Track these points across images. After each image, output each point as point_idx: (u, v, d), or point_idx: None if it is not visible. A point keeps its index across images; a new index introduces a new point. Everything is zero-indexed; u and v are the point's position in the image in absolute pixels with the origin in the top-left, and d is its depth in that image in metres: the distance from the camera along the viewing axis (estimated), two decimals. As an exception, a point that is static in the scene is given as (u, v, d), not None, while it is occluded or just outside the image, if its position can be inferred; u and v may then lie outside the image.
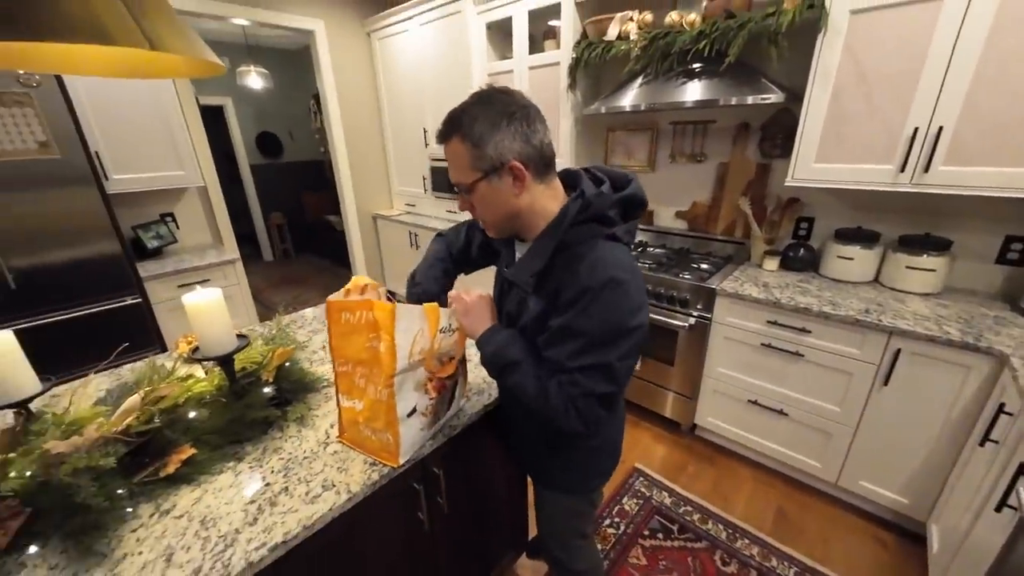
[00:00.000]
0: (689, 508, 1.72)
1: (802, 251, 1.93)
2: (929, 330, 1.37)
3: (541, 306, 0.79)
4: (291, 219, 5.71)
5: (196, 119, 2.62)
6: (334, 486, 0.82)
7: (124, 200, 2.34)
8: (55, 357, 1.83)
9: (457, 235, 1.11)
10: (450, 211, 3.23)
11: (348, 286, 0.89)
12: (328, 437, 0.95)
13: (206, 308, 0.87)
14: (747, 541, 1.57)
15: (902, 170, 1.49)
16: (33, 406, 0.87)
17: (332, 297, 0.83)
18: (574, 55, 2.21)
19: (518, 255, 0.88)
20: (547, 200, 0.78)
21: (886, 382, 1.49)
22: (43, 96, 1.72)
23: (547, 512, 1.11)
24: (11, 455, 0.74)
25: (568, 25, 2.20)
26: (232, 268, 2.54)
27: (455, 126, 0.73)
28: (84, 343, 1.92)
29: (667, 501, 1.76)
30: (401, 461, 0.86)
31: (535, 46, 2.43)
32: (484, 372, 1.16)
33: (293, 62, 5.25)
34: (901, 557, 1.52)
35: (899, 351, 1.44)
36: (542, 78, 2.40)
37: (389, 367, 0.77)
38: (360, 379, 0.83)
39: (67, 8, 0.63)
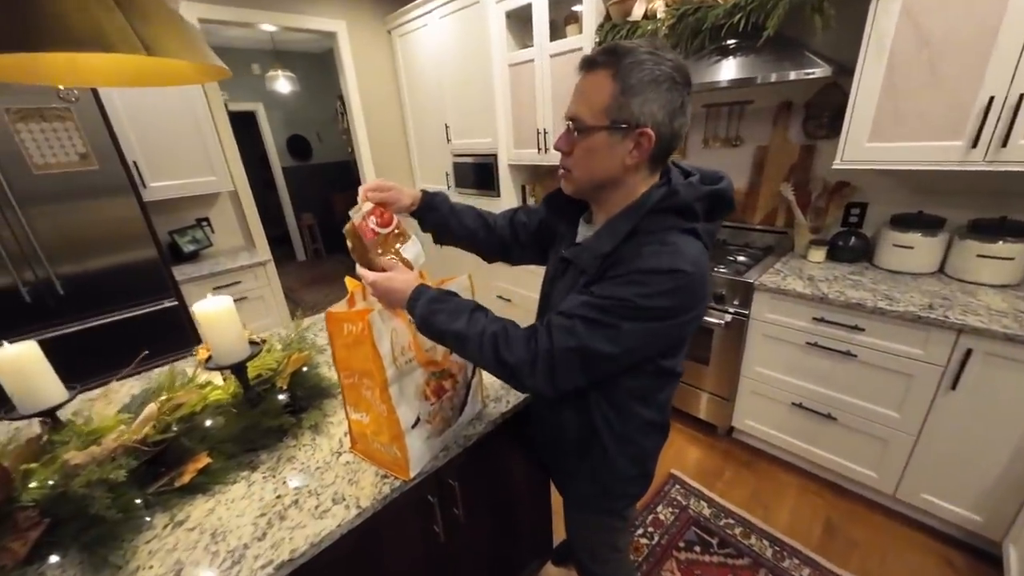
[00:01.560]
0: (730, 521, 1.61)
1: (853, 240, 1.76)
2: (1007, 328, 1.21)
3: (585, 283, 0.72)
4: (321, 219, 5.85)
5: (226, 125, 2.69)
6: (344, 500, 0.79)
7: (161, 207, 2.44)
8: (98, 360, 1.93)
9: (502, 217, 1.01)
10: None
11: (366, 209, 0.80)
12: (341, 446, 0.93)
13: (216, 316, 0.86)
14: (796, 561, 1.44)
15: (974, 146, 1.31)
16: (64, 414, 0.90)
17: (336, 308, 0.79)
18: (597, 39, 2.10)
19: (580, 237, 0.81)
20: (641, 183, 0.72)
21: (954, 386, 1.32)
22: (82, 110, 1.80)
23: (576, 524, 1.05)
24: (33, 465, 0.76)
25: (590, 8, 2.09)
26: (263, 269, 2.61)
27: (613, 58, 0.64)
28: (125, 345, 2.00)
29: (706, 512, 1.65)
30: (412, 474, 0.82)
31: (556, 32, 2.34)
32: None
33: (319, 65, 5.34)
34: (972, 580, 1.37)
35: (970, 351, 1.27)
36: (564, 66, 2.31)
37: (381, 380, 0.74)
38: (366, 391, 0.80)
39: (67, 18, 0.62)
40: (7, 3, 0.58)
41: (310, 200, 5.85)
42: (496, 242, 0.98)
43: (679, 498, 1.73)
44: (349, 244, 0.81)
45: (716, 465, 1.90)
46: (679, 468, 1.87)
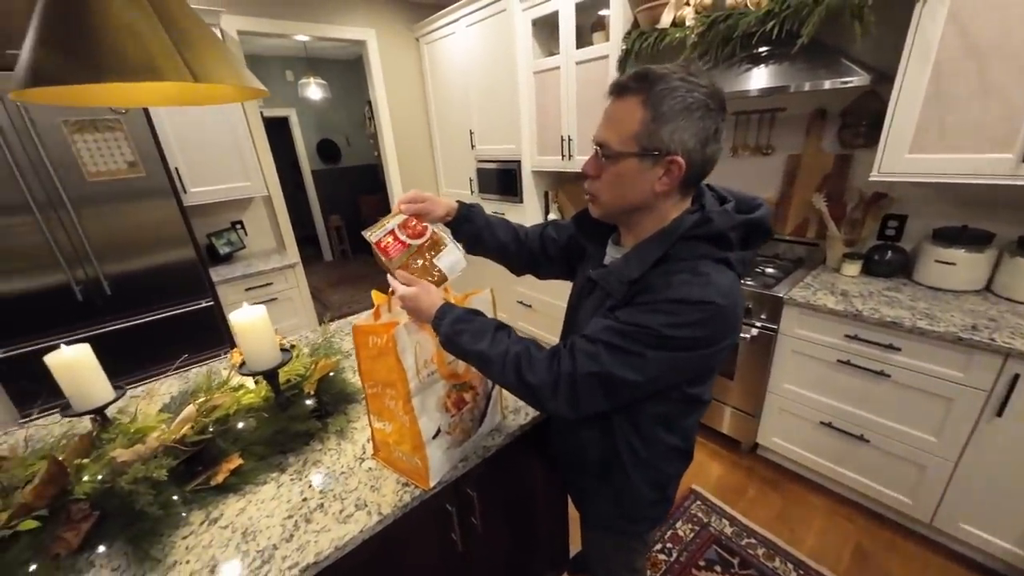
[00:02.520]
0: (752, 540, 1.56)
1: (890, 254, 1.69)
2: (1061, 353, 1.13)
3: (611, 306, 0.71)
4: (348, 221, 6.01)
5: (260, 133, 2.81)
6: (366, 506, 0.82)
7: (200, 210, 2.57)
8: (140, 356, 2.05)
9: (532, 231, 1.01)
10: (497, 212, 3.21)
11: (396, 222, 0.82)
12: (364, 452, 0.96)
13: (251, 326, 0.91)
14: (820, 584, 1.40)
15: (1025, 160, 1.24)
16: (111, 411, 0.96)
17: (362, 321, 0.82)
18: (624, 47, 2.08)
19: (608, 259, 0.80)
20: (672, 208, 0.70)
21: (999, 412, 1.25)
22: (130, 121, 1.91)
23: (594, 544, 1.04)
24: (85, 461, 0.82)
25: (618, 15, 2.08)
26: (292, 272, 2.70)
27: (645, 84, 0.62)
28: (165, 343, 2.13)
29: (727, 530, 1.62)
30: (431, 484, 0.84)
31: (583, 39, 2.33)
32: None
33: (349, 71, 5.49)
34: (1016, 619, 1.29)
35: (1017, 377, 1.20)
36: (590, 73, 2.30)
37: (404, 392, 0.76)
38: (390, 401, 0.82)
39: (124, 51, 0.67)
40: (72, 39, 0.64)
41: (338, 202, 6.01)
42: (526, 256, 0.98)
43: (700, 515, 1.69)
44: (376, 256, 0.83)
45: (739, 482, 1.85)
46: (701, 484, 1.84)
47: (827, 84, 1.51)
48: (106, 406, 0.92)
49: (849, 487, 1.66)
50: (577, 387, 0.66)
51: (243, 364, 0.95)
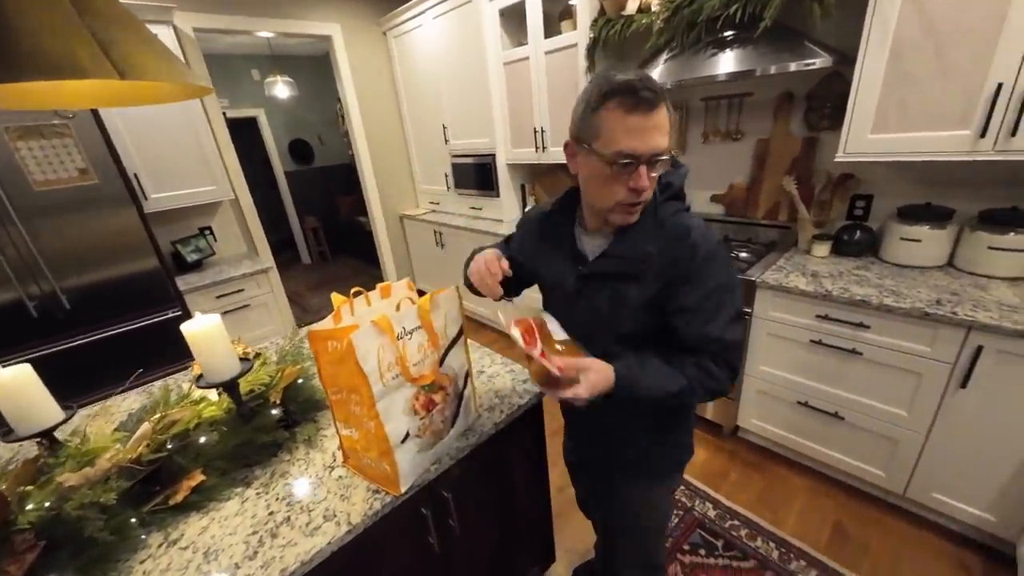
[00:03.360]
0: (736, 522, 1.59)
1: (858, 234, 1.71)
2: (1018, 324, 1.16)
3: (654, 289, 0.78)
4: (325, 222, 5.89)
5: (225, 134, 2.71)
6: (335, 516, 0.79)
7: (163, 217, 2.47)
8: (105, 372, 1.96)
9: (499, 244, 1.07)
10: (473, 208, 3.17)
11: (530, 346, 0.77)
12: (335, 460, 0.93)
13: (205, 335, 0.86)
14: (803, 563, 1.42)
15: (982, 136, 1.26)
16: (64, 431, 0.91)
17: (318, 326, 0.79)
18: (591, 35, 2.06)
19: (591, 250, 0.85)
20: None
21: (964, 384, 1.29)
22: (80, 126, 1.81)
23: (642, 518, 1.05)
24: (30, 488, 0.77)
25: (584, 2, 2.06)
26: (266, 277, 2.63)
27: (662, 95, 0.68)
28: (132, 357, 2.04)
29: (711, 513, 1.64)
30: (402, 489, 0.82)
31: (550, 29, 2.31)
32: (496, 388, 1.11)
33: (318, 68, 5.35)
34: (986, 582, 1.33)
35: (980, 348, 1.23)
36: (559, 62, 2.28)
37: (368, 397, 0.73)
38: (355, 407, 0.79)
39: (42, 48, 0.63)
40: (-19, 36, 0.59)
41: (314, 203, 5.88)
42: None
43: (684, 499, 1.71)
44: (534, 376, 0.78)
45: (722, 466, 1.87)
46: (685, 470, 1.85)
47: (792, 67, 1.52)
48: (54, 428, 0.87)
49: (827, 464, 1.70)
50: (730, 362, 0.79)
51: (200, 377, 0.91)
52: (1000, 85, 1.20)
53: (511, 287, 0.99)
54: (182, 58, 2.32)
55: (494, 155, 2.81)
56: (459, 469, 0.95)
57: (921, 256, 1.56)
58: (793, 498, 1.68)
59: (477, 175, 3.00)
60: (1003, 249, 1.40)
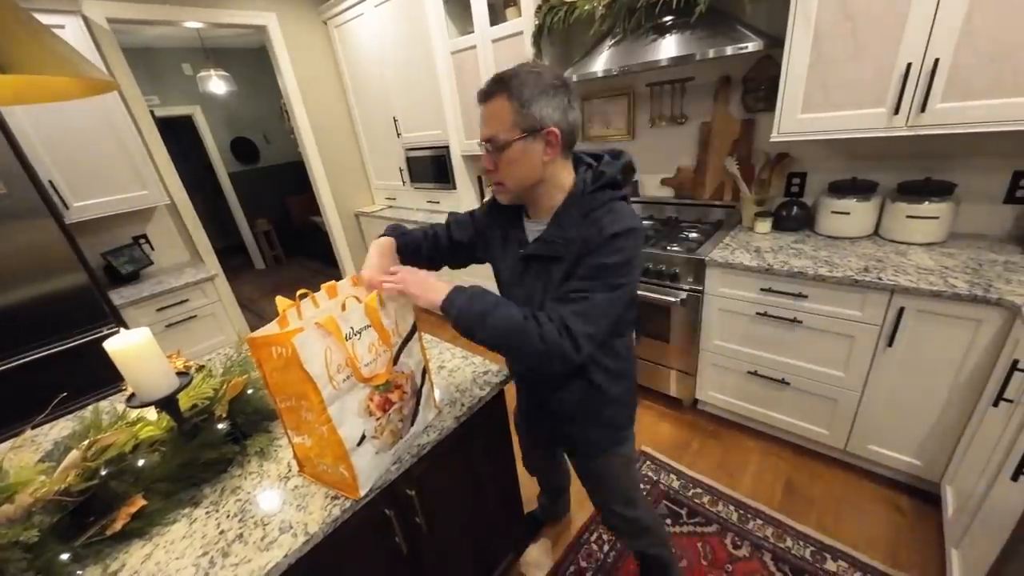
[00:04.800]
0: (698, 490, 1.67)
1: (795, 209, 1.82)
2: (933, 284, 1.28)
3: (565, 268, 0.84)
4: (277, 224, 5.62)
5: (153, 133, 2.51)
6: (291, 528, 0.77)
7: (90, 227, 2.28)
8: (35, 399, 1.80)
9: (440, 225, 1.10)
10: (431, 201, 3.12)
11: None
12: (290, 470, 0.90)
13: (135, 351, 0.80)
14: (760, 522, 1.51)
15: (896, 112, 1.36)
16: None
17: (259, 332, 0.75)
18: (536, 22, 2.05)
19: (532, 234, 0.92)
20: (565, 174, 0.86)
21: (891, 343, 1.40)
22: (-24, 129, 1.63)
23: (605, 479, 1.11)
24: (-63, 533, 0.69)
25: (527, -11, 2.04)
26: (211, 285, 2.48)
27: (502, 86, 0.77)
28: (64, 380, 1.87)
29: (675, 484, 1.71)
30: (362, 493, 0.80)
31: (496, 17, 2.28)
32: (456, 382, 1.10)
33: (257, 61, 5.04)
34: (918, 520, 1.47)
35: (902, 309, 1.35)
36: (507, 50, 2.26)
37: (317, 402, 0.71)
38: (305, 413, 0.76)
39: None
40: None
41: (263, 205, 5.59)
42: (445, 254, 1.08)
43: (650, 474, 1.78)
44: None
45: (684, 438, 1.96)
46: (650, 445, 1.93)
47: (728, 50, 1.57)
48: (-36, 466, 0.78)
49: (778, 428, 1.81)
50: (572, 330, 0.78)
51: (132, 396, 0.85)
52: (909, 65, 1.30)
53: (448, 259, 1.08)
54: (94, 52, 2.12)
55: (448, 147, 2.77)
56: (422, 466, 0.94)
57: (850, 227, 1.67)
58: (748, 461, 1.79)
59: (433, 168, 2.94)
60: (919, 217, 1.52)
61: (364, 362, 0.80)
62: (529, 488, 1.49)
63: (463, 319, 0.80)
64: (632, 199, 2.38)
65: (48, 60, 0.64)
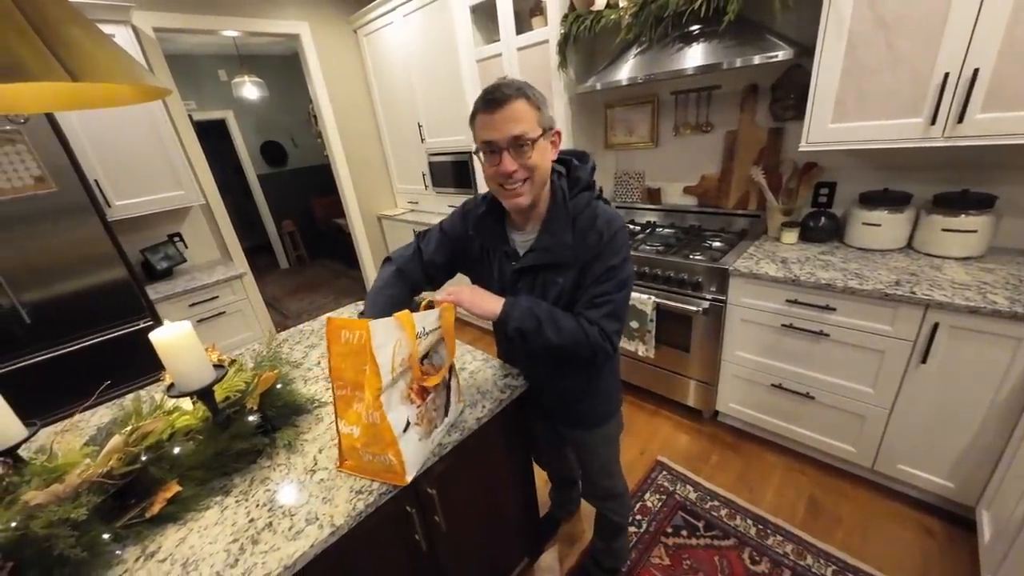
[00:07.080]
0: (716, 503, 1.64)
1: (823, 220, 1.78)
2: (970, 300, 1.23)
3: (574, 276, 0.91)
4: (302, 225, 5.77)
5: (191, 137, 2.63)
6: (318, 519, 0.79)
7: (130, 225, 2.39)
8: (75, 387, 1.89)
9: (408, 253, 1.09)
10: (452, 206, 3.15)
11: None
12: (316, 464, 0.92)
13: (176, 343, 0.84)
14: (780, 538, 1.48)
15: (932, 123, 1.32)
16: (30, 449, 0.88)
17: (334, 314, 0.79)
18: (562, 30, 2.08)
19: (521, 246, 0.97)
20: (547, 176, 0.91)
21: (924, 359, 1.35)
22: (33, 131, 1.74)
23: (595, 452, 1.20)
24: (-7, 508, 0.74)
25: (554, -2, 2.07)
26: (240, 282, 2.56)
27: (520, 90, 0.82)
28: (102, 370, 1.98)
29: (692, 496, 1.68)
30: (408, 479, 0.83)
31: (522, 25, 2.31)
32: (477, 383, 1.12)
33: (288, 68, 5.23)
34: (949, 545, 1.41)
35: (937, 325, 1.30)
36: (532, 58, 2.28)
37: (375, 388, 0.75)
38: (357, 404, 0.80)
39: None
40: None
41: (289, 206, 5.76)
42: (420, 285, 1.10)
43: (666, 484, 1.75)
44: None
45: (703, 449, 1.93)
46: (667, 455, 1.90)
47: (756, 59, 1.56)
48: (17, 447, 0.83)
49: (801, 443, 1.77)
50: (605, 329, 0.90)
51: (172, 386, 0.89)
52: (947, 75, 1.26)
53: (438, 279, 1.12)
54: (142, 59, 2.24)
55: (470, 153, 2.80)
56: (443, 465, 0.95)
57: (882, 240, 1.63)
58: (770, 476, 1.75)
59: (455, 173, 2.99)
60: (955, 231, 1.47)
61: (422, 355, 0.85)
62: (541, 491, 1.48)
63: (522, 329, 0.88)
64: (653, 207, 2.37)
65: (114, 68, 0.68)
